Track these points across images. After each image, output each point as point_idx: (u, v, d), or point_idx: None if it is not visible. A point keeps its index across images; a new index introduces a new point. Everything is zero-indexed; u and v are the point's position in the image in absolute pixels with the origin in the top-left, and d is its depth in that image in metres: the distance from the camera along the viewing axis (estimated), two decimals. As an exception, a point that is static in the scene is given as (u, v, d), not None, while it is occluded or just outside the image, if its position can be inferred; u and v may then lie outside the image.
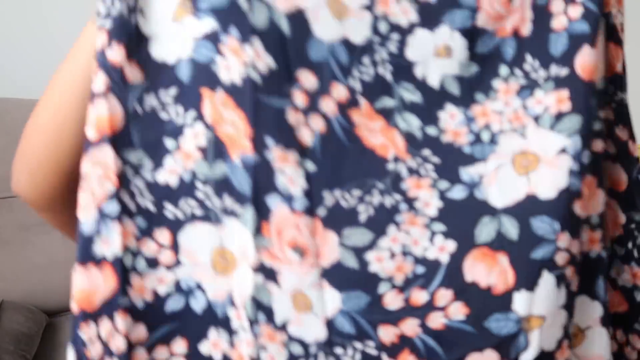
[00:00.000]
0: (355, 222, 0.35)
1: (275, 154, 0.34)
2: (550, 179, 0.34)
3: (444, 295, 0.35)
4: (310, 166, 0.35)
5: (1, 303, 0.98)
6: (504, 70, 0.35)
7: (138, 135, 0.35)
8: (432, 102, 0.35)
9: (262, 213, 0.34)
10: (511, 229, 0.34)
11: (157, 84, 0.35)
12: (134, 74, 0.34)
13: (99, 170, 0.34)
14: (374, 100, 0.35)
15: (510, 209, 0.34)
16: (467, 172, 0.35)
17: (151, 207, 0.35)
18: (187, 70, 0.34)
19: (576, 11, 0.34)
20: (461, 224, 0.35)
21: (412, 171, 0.35)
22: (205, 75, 0.34)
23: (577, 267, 0.35)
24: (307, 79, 0.35)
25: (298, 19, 0.34)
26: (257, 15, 0.33)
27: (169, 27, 0.34)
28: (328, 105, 0.35)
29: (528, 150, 0.35)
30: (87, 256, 0.36)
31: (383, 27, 0.34)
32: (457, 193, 0.35)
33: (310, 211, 0.35)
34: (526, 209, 0.35)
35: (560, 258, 0.34)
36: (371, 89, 0.35)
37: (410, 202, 0.35)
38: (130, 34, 0.34)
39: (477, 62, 0.35)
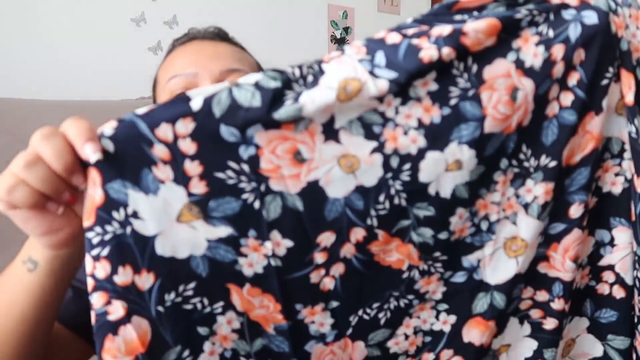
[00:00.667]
0: (377, 326, 0.41)
1: (305, 313, 0.40)
2: (530, 257, 0.40)
3: (447, 354, 0.43)
4: (334, 303, 0.40)
5: (1, 303, 0.98)
6: (504, 162, 0.38)
7: (170, 334, 0.37)
8: (444, 212, 0.38)
9: (304, 358, 0.41)
10: (500, 301, 0.41)
11: (174, 280, 0.37)
12: (144, 280, 0.35)
13: None
14: (390, 228, 0.39)
15: (500, 286, 0.41)
16: (468, 260, 0.40)
17: None
18: (204, 266, 0.37)
19: (567, 98, 0.36)
20: (461, 301, 0.42)
21: (423, 273, 0.40)
22: (229, 273, 0.38)
23: (546, 307, 0.42)
24: (326, 238, 0.39)
25: (312, 190, 0.37)
26: (270, 210, 0.37)
27: (175, 227, 0.36)
28: (347, 250, 0.39)
29: (518, 236, 0.39)
30: None
31: (394, 162, 0.37)
32: (459, 278, 0.41)
33: (340, 336, 0.41)
34: (513, 283, 0.41)
35: (524, 305, 0.43)
36: (388, 219, 0.38)
37: (420, 296, 0.41)
38: (131, 249, 0.35)
39: (484, 163, 0.37)
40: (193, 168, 0.35)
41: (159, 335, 0.36)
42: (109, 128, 0.35)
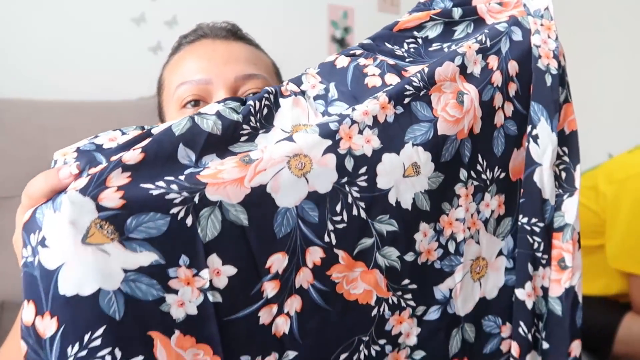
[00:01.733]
0: None
1: None
2: (493, 280, 0.38)
3: None
4: (292, 354, 0.33)
5: (1, 303, 0.98)
6: (463, 174, 0.36)
7: None
8: (408, 227, 0.35)
9: None
10: (470, 332, 0.38)
11: (79, 327, 0.28)
12: (46, 325, 0.29)
13: None
14: (352, 249, 0.34)
15: (469, 315, 0.38)
16: (440, 290, 0.37)
17: None
18: (118, 305, 0.28)
19: (509, 109, 0.37)
20: (437, 345, 0.37)
21: (394, 308, 0.36)
22: (153, 315, 0.29)
23: (523, 341, 0.38)
24: (277, 261, 0.32)
25: (258, 197, 0.31)
26: (207, 227, 0.30)
27: (81, 251, 0.29)
28: (304, 277, 0.33)
29: (481, 255, 0.38)
30: None
31: (349, 164, 0.33)
32: (433, 314, 0.37)
33: None
34: (479, 311, 0.38)
35: (505, 346, 0.39)
36: (348, 235, 0.33)
37: (393, 340, 0.36)
38: (37, 284, 0.30)
39: (441, 170, 0.35)
40: (119, 178, 0.30)
41: None
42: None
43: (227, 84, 0.53)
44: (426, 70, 0.35)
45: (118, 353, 0.28)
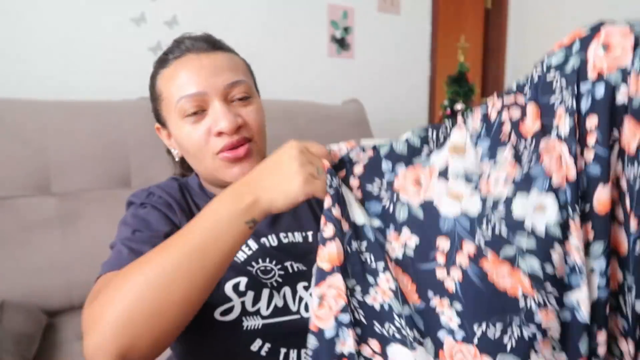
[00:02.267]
0: (504, 350, 0.45)
1: (435, 302, 0.49)
2: (587, 292, 0.45)
3: None
4: (458, 305, 0.48)
5: (1, 303, 0.98)
6: (569, 212, 0.45)
7: (351, 268, 0.51)
8: (544, 245, 0.44)
9: (437, 344, 0.49)
10: (588, 341, 0.46)
11: (356, 235, 0.52)
12: (344, 225, 0.52)
13: (333, 291, 0.50)
14: (497, 250, 0.46)
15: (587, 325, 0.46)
16: (569, 298, 0.45)
17: (364, 321, 0.50)
18: (370, 234, 0.53)
19: (589, 155, 0.45)
20: (573, 344, 0.45)
21: (540, 305, 0.45)
22: (383, 249, 0.53)
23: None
24: (443, 242, 0.50)
25: (428, 205, 0.51)
26: (400, 213, 0.53)
27: (355, 204, 0.54)
28: (462, 259, 0.48)
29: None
30: (331, 354, 0.49)
31: (489, 202, 0.48)
32: (567, 317, 0.45)
33: (467, 340, 0.47)
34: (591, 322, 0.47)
35: (602, 349, 0.46)
36: (493, 242, 0.46)
37: (544, 332, 0.45)
38: (341, 200, 0.53)
39: (562, 208, 0.45)
40: (354, 180, 0.57)
41: (345, 264, 0.50)
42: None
43: (219, 93, 0.64)
44: (532, 146, 0.47)
45: (371, 257, 0.53)
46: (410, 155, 0.55)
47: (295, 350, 0.60)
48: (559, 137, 0.46)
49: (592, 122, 0.45)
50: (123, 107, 1.40)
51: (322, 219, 0.51)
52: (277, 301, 0.61)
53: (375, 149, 0.57)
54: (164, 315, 0.47)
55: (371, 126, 2.02)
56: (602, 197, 0.44)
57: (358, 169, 0.57)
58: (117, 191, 1.31)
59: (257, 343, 0.59)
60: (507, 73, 3.24)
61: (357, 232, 0.53)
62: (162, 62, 0.69)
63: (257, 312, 0.60)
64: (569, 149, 0.44)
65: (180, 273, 0.47)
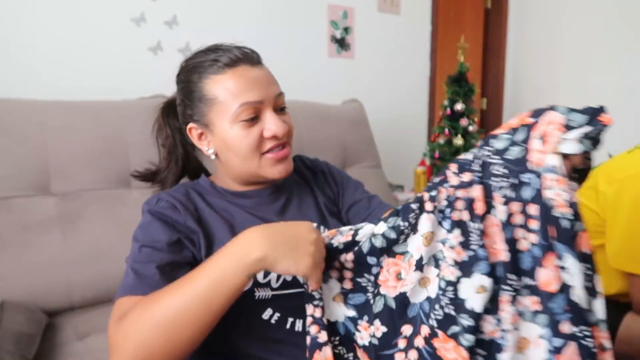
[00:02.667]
0: None
1: None
2: (535, 352, 0.54)
3: None
4: None
5: (1, 303, 0.98)
6: (503, 287, 0.55)
7: None
8: (479, 320, 0.55)
9: None
10: None
11: (331, 333, 0.64)
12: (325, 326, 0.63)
13: None
14: (446, 329, 0.56)
15: None
16: (501, 358, 0.55)
17: None
18: (342, 329, 0.65)
19: (535, 238, 0.53)
20: None
21: None
22: (352, 339, 0.65)
23: None
24: (407, 329, 0.61)
25: (402, 297, 0.60)
26: (377, 305, 0.62)
27: (330, 301, 0.66)
28: (419, 341, 0.58)
29: (521, 336, 0.55)
30: None
31: (443, 284, 0.57)
32: None
33: None
34: None
35: None
36: (443, 323, 0.56)
37: None
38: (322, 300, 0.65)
39: (495, 285, 0.55)
40: (347, 274, 0.65)
41: None
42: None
43: (271, 102, 0.73)
44: (481, 226, 0.56)
45: (343, 350, 0.66)
46: (390, 245, 0.62)
47: (301, 320, 0.68)
48: (500, 220, 0.55)
49: (532, 209, 0.53)
50: (123, 107, 1.40)
51: (315, 327, 0.61)
52: (286, 276, 0.69)
53: (354, 237, 0.63)
54: (175, 346, 0.57)
55: (371, 126, 2.02)
56: (542, 277, 0.53)
57: (346, 258, 0.64)
58: (117, 191, 1.31)
59: (268, 312, 0.67)
60: (507, 73, 3.24)
61: (331, 328, 0.63)
62: (212, 68, 0.73)
63: (268, 284, 0.68)
64: (504, 236, 0.54)
65: (186, 316, 0.56)
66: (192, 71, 0.75)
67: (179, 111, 0.79)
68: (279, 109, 0.76)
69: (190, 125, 0.77)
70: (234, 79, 0.71)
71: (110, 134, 1.32)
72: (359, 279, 0.64)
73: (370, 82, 2.46)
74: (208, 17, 1.88)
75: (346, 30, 2.36)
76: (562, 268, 0.52)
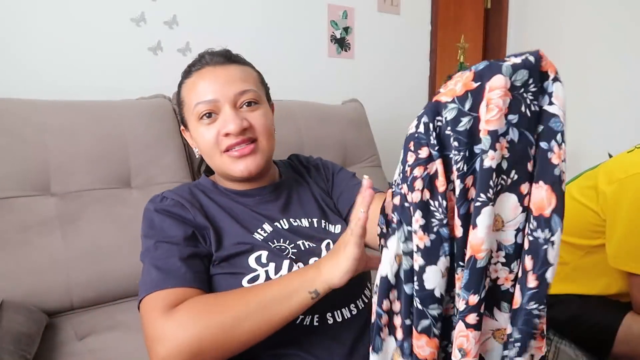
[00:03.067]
0: None
1: None
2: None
3: None
4: None
5: (1, 303, 0.98)
6: (460, 263, 0.52)
7: None
8: (443, 303, 0.52)
9: None
10: None
11: None
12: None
13: None
14: (417, 324, 0.52)
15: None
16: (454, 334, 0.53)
17: None
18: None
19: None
20: None
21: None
22: None
23: None
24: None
25: None
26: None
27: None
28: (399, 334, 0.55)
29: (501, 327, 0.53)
30: None
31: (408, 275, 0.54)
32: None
33: None
34: None
35: None
36: (415, 318, 0.52)
37: None
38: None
39: (451, 262, 0.53)
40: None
41: None
42: None
43: (229, 100, 0.74)
44: (444, 203, 0.52)
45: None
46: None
47: (310, 316, 0.69)
48: (456, 195, 0.51)
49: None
50: (123, 107, 1.40)
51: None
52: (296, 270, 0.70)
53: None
54: (228, 348, 0.59)
55: (371, 126, 2.02)
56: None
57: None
58: (117, 191, 1.31)
59: None
60: (507, 73, 3.24)
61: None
62: (186, 74, 0.80)
63: None
64: (458, 210, 0.50)
65: (247, 322, 0.59)
66: (180, 79, 0.82)
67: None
68: (245, 105, 0.76)
69: (182, 127, 0.84)
70: (196, 80, 0.77)
71: (110, 134, 1.32)
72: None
73: (370, 82, 2.46)
74: (208, 17, 1.88)
75: (346, 30, 2.35)
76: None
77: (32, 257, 1.12)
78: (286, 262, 0.70)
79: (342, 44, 2.35)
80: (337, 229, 0.81)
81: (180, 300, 0.62)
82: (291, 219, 0.79)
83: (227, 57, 0.79)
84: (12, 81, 1.49)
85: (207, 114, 0.74)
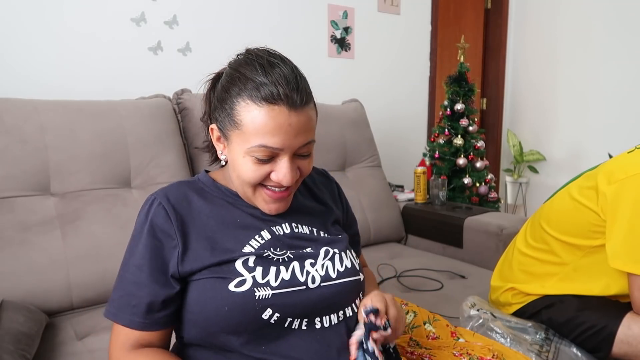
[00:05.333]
0: None
1: None
2: None
3: None
4: None
5: (1, 303, 0.98)
6: None
7: None
8: None
9: None
10: None
11: None
12: None
13: None
14: None
15: None
16: None
17: None
18: None
19: None
20: None
21: None
22: None
23: None
24: None
25: None
26: None
27: None
28: None
29: None
30: None
31: None
32: None
33: None
34: None
35: None
36: None
37: None
38: None
39: None
40: None
41: None
42: None
43: (292, 150, 0.70)
44: None
45: None
46: None
47: (298, 320, 0.68)
48: None
49: None
50: (123, 107, 1.40)
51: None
52: (284, 275, 0.69)
53: None
54: None
55: (371, 126, 2.02)
56: None
57: None
58: (117, 191, 1.31)
59: (268, 312, 0.66)
60: (507, 73, 3.24)
61: None
62: (251, 92, 0.69)
63: (267, 284, 0.68)
64: None
65: None
66: (234, 82, 0.71)
67: (211, 104, 0.77)
68: (301, 155, 0.72)
69: (213, 126, 0.76)
70: (265, 117, 0.68)
71: (110, 134, 1.32)
72: None
73: (370, 82, 2.46)
74: (208, 17, 1.88)
75: (346, 30, 2.35)
76: None
77: (32, 257, 1.12)
78: (273, 268, 0.69)
79: (342, 44, 2.35)
80: (338, 237, 0.80)
81: (140, 342, 0.68)
82: (293, 224, 0.77)
83: (302, 98, 0.71)
84: (12, 81, 1.49)
85: (266, 160, 0.70)
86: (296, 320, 0.68)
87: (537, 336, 1.07)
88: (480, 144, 2.37)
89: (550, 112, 3.04)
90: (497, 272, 1.28)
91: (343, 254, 0.75)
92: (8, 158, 1.17)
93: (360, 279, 0.75)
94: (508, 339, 1.04)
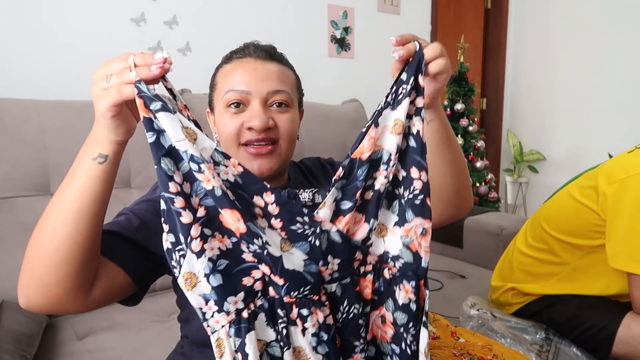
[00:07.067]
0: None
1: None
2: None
3: None
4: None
5: (1, 303, 0.98)
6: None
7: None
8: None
9: None
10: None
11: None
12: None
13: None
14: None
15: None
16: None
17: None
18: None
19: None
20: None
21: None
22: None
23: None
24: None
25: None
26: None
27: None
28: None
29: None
30: None
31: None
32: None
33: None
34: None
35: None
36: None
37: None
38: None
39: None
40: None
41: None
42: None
43: (261, 96, 0.73)
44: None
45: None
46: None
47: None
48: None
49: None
50: (123, 107, 1.39)
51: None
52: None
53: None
54: (47, 261, 0.58)
55: (371, 126, 2.02)
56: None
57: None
58: (117, 191, 1.31)
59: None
60: (507, 73, 3.24)
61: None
62: (227, 59, 0.79)
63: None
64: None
65: (52, 223, 0.56)
66: (220, 62, 0.80)
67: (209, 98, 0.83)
68: (275, 105, 0.74)
69: (207, 110, 0.82)
70: (234, 68, 0.76)
71: (110, 134, 1.32)
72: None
73: (370, 82, 2.46)
74: (208, 17, 1.88)
75: (346, 30, 2.35)
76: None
77: (32, 257, 1.12)
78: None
79: (342, 44, 2.35)
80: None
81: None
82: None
83: (271, 54, 0.78)
84: (12, 81, 1.49)
85: (236, 104, 0.73)
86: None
87: (537, 336, 1.07)
88: (480, 143, 2.37)
89: (550, 112, 3.04)
90: (497, 272, 1.28)
91: None
92: (8, 158, 1.17)
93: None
94: (508, 339, 1.04)
